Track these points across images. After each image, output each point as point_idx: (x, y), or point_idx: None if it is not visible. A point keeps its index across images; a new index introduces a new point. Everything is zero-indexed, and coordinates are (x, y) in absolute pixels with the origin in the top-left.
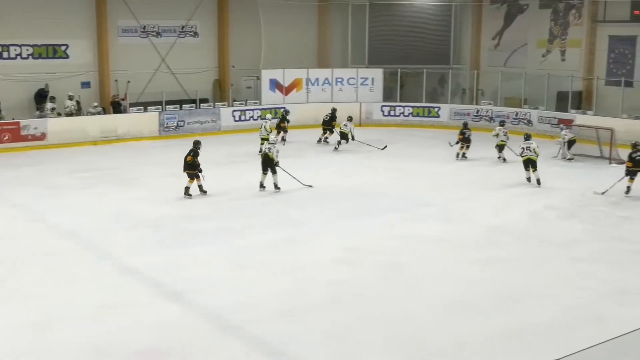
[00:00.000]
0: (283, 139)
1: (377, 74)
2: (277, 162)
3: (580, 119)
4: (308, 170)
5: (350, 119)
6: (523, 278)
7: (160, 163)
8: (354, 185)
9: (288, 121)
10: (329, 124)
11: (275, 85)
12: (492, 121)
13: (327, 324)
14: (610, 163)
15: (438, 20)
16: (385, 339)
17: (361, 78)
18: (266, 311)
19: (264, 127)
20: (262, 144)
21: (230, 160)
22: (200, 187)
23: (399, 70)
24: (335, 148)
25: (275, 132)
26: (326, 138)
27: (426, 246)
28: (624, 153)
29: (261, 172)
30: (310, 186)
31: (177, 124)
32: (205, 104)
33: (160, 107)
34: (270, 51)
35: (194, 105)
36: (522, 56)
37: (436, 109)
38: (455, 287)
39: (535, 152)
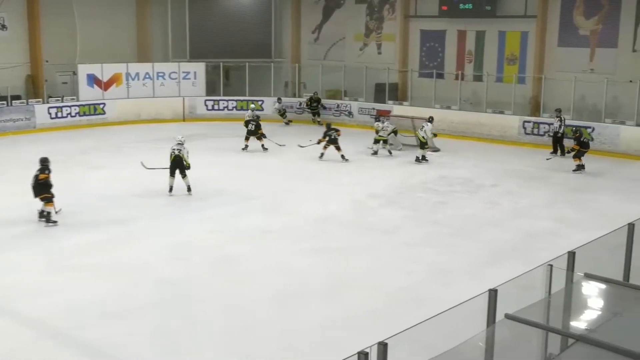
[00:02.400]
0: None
1: (199, 68)
2: (189, 164)
3: (397, 109)
4: (134, 168)
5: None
6: (351, 266)
7: None
8: (179, 181)
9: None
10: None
11: (93, 80)
12: (316, 115)
13: (156, 324)
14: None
15: (258, 13)
16: (216, 335)
17: (183, 72)
18: (92, 315)
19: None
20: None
21: None
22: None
23: (221, 64)
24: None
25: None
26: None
27: (255, 239)
28: (439, 142)
29: (169, 175)
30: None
31: None
32: (18, 101)
33: None
34: (86, 45)
35: (4, 102)
36: (341, 50)
37: (260, 102)
38: (285, 278)
39: (427, 134)
